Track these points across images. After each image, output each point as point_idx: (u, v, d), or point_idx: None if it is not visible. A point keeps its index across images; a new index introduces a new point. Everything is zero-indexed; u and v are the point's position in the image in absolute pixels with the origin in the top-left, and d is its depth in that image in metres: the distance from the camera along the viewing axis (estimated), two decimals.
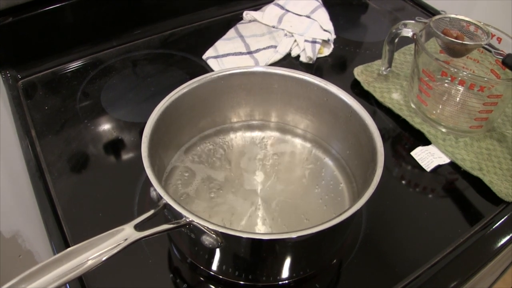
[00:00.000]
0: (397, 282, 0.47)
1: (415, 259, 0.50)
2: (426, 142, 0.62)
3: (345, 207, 0.51)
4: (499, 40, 0.62)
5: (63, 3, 0.69)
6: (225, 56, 0.74)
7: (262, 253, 0.43)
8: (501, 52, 0.60)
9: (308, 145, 0.57)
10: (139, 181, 0.56)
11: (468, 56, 0.66)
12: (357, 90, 0.70)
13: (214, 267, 0.46)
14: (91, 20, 0.73)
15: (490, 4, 0.98)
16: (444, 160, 0.60)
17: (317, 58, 0.76)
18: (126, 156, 0.60)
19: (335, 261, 0.49)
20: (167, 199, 0.39)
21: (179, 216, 0.38)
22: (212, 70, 0.70)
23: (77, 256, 0.33)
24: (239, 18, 0.83)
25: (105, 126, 0.64)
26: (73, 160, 0.59)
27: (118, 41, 0.77)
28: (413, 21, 0.63)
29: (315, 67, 0.75)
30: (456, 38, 0.59)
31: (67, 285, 0.44)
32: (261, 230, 0.49)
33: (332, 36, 0.78)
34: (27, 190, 0.59)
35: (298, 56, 0.76)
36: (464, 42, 0.59)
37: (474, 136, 0.63)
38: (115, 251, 0.35)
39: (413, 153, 0.61)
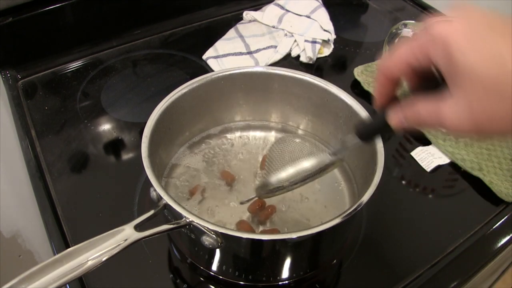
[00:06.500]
0: (397, 282, 0.47)
1: (415, 259, 0.50)
2: (426, 142, 0.62)
3: (345, 207, 0.51)
4: None
5: (63, 3, 0.69)
6: (225, 56, 0.74)
7: (262, 253, 0.43)
8: None
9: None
10: (139, 181, 0.55)
11: None
12: (357, 90, 0.70)
13: (214, 267, 0.46)
14: (91, 20, 0.73)
15: (490, 4, 0.98)
16: (444, 160, 0.60)
17: (317, 58, 0.76)
18: (126, 156, 0.60)
19: (335, 261, 0.49)
20: (167, 199, 0.39)
21: (179, 216, 0.38)
22: (212, 70, 0.71)
23: (77, 257, 0.33)
24: (239, 18, 0.83)
25: (105, 126, 0.64)
26: (73, 160, 0.59)
27: (118, 41, 0.77)
28: (413, 21, 0.63)
29: (315, 67, 0.75)
30: None
31: (67, 285, 0.44)
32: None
33: (332, 36, 0.78)
34: (27, 190, 0.59)
35: (298, 56, 0.76)
36: None
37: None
38: (115, 251, 0.35)
39: (413, 153, 0.61)
